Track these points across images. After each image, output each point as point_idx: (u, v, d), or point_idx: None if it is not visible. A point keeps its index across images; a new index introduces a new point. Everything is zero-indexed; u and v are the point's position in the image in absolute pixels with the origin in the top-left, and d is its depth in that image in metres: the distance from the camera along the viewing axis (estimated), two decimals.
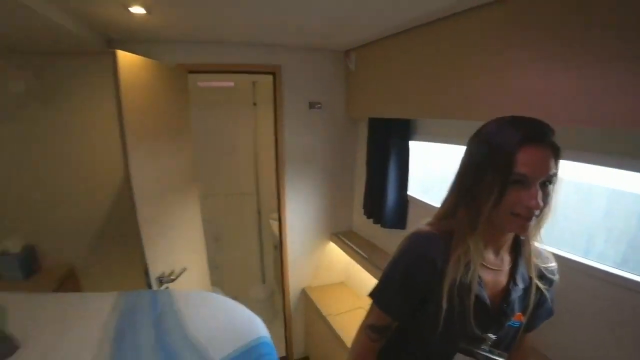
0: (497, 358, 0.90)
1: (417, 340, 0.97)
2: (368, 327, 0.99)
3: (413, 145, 2.28)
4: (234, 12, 1.75)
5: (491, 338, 0.90)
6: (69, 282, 2.51)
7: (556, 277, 0.96)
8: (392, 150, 2.29)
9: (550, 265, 0.96)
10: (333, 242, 2.97)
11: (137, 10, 1.68)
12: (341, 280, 3.16)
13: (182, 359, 1.34)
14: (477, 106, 1.55)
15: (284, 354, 3.17)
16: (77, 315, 1.67)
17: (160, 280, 1.98)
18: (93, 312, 1.68)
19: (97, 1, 1.59)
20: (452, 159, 2.19)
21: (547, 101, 1.23)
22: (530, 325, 0.98)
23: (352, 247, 2.71)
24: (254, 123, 3.46)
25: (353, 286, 3.05)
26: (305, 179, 2.78)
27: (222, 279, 3.55)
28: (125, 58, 1.69)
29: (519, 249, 0.94)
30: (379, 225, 2.45)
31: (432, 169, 2.40)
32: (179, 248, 2.18)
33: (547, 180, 0.77)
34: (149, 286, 1.92)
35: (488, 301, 0.88)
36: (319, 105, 2.66)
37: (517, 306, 0.92)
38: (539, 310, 0.96)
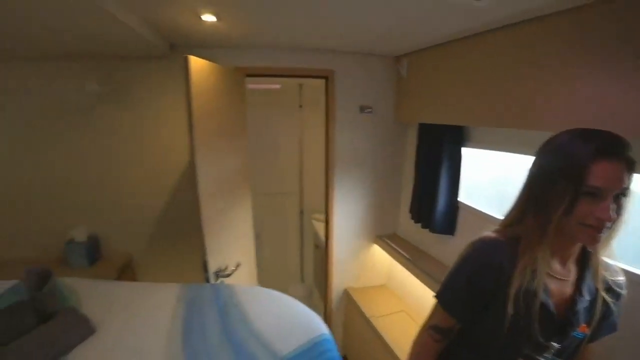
0: None
1: (478, 345, 0.98)
2: (431, 328, 1.01)
3: (465, 151, 2.27)
4: (299, 18, 1.81)
5: (555, 346, 0.89)
6: (126, 271, 2.68)
7: (624, 292, 0.94)
8: (444, 156, 2.29)
9: (619, 279, 0.94)
10: (377, 244, 2.99)
11: (208, 17, 1.77)
12: (382, 283, 3.17)
13: (249, 350, 1.41)
14: (538, 116, 1.53)
15: None
16: (145, 303, 1.78)
17: (217, 275, 2.06)
18: (159, 302, 1.78)
19: (174, 12, 1.70)
20: (500, 166, 2.19)
21: (615, 111, 1.21)
22: (592, 337, 0.96)
23: (397, 250, 2.72)
24: (300, 124, 3.53)
25: (395, 289, 3.06)
26: (353, 182, 2.82)
27: (260, 276, 3.64)
28: (195, 63, 1.77)
29: (586, 260, 0.93)
30: (428, 229, 2.45)
31: (477, 175, 2.37)
32: (233, 244, 2.27)
33: (621, 193, 0.77)
34: (207, 280, 2.01)
35: (553, 309, 0.88)
36: (370, 110, 2.69)
37: (582, 317, 0.91)
38: (603, 323, 0.94)
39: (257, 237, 3.68)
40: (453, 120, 2.17)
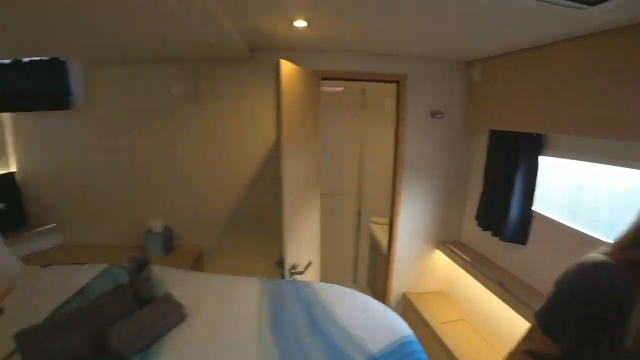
0: None
1: None
2: (527, 353, 0.90)
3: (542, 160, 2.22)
4: (385, 23, 1.84)
5: None
6: (197, 263, 2.82)
7: None
8: (518, 164, 2.25)
9: None
10: (440, 250, 2.97)
11: (300, 24, 1.85)
12: (441, 290, 3.14)
13: (339, 345, 1.45)
14: (633, 126, 1.48)
15: None
16: (231, 295, 1.87)
17: (291, 272, 2.14)
18: (245, 294, 1.87)
19: (272, 19, 1.79)
20: (578, 174, 2.12)
21: None
22: None
23: (462, 257, 2.69)
24: (361, 127, 3.57)
25: (455, 297, 3.02)
26: (420, 186, 2.82)
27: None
28: (285, 66, 1.85)
29: None
30: (498, 237, 2.41)
31: (551, 183, 2.31)
32: (305, 243, 2.34)
33: None
34: (282, 276, 2.08)
35: None
36: (441, 115, 2.69)
37: None
38: None
39: None
40: (533, 127, 2.13)
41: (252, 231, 2.80)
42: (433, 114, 2.68)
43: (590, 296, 0.80)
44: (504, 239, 2.36)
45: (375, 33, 2.04)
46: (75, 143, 2.75)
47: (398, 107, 2.66)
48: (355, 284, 4.01)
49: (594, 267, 0.82)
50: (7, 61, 2.51)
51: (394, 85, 2.72)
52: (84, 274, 2.06)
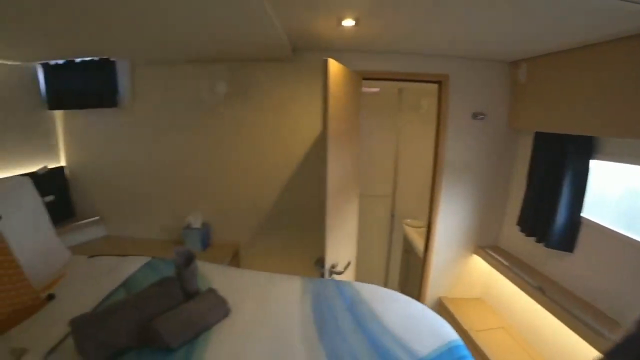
0: None
1: None
2: None
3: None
4: (436, 21, 1.81)
5: None
6: (234, 259, 2.86)
7: None
8: (567, 167, 2.16)
9: None
10: (479, 255, 2.89)
11: (348, 22, 1.85)
12: (478, 296, 3.07)
13: (386, 346, 1.44)
14: None
15: None
16: (273, 292, 1.88)
17: (331, 271, 2.13)
18: (286, 291, 1.87)
19: (322, 18, 1.80)
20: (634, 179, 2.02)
21: None
22: None
23: (503, 263, 2.61)
24: (397, 129, 3.53)
25: (493, 304, 2.93)
26: (459, 189, 2.77)
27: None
28: (332, 65, 1.85)
29: None
30: (542, 244, 2.33)
31: (604, 188, 2.21)
32: (344, 243, 2.33)
33: None
34: (322, 275, 2.08)
35: None
36: (482, 116, 2.62)
37: None
38: None
39: None
40: (583, 130, 2.05)
41: (289, 230, 2.82)
42: (474, 115, 2.62)
43: None
44: (549, 245, 2.27)
45: (422, 32, 2.01)
46: (121, 140, 2.86)
47: (439, 108, 2.62)
48: (386, 286, 3.97)
49: None
50: (61, 61, 2.64)
51: (431, 86, 2.68)
52: (128, 266, 2.13)
